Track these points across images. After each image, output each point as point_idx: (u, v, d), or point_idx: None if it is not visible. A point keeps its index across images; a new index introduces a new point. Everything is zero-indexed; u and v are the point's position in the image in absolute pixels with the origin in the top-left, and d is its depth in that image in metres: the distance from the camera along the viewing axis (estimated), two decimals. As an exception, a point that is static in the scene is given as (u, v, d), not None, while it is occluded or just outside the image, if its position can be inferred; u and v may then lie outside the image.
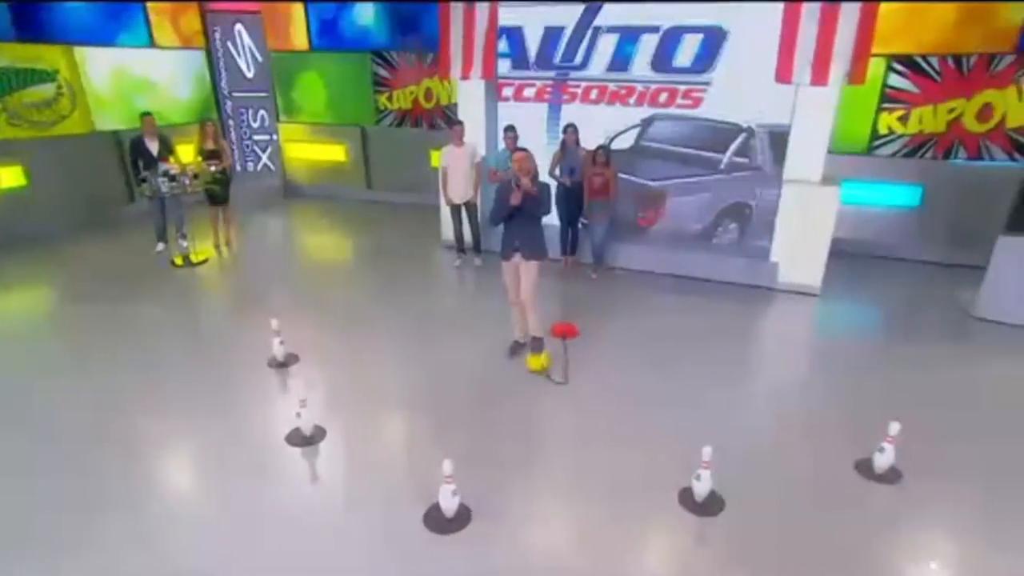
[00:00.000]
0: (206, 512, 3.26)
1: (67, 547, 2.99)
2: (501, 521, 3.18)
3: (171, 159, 7.07)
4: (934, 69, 6.90)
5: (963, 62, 6.78)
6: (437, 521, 3.14)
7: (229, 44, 10.12)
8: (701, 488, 3.23)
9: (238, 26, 10.06)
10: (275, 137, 10.83)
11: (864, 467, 3.54)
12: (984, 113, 6.85)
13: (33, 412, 4.16)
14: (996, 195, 6.44)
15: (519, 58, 7.38)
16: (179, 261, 7.14)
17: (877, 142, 7.36)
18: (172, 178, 6.87)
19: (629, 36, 6.80)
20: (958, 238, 7.11)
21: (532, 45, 7.27)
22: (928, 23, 6.80)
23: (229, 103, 10.44)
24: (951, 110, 6.96)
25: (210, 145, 7.37)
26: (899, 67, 7.02)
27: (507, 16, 7.05)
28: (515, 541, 3.08)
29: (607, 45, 6.92)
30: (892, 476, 3.47)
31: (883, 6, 5.58)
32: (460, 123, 6.88)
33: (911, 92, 7.05)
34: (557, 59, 7.20)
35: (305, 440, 3.79)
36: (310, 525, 3.16)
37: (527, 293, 4.61)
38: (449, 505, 3.11)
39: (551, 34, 7.14)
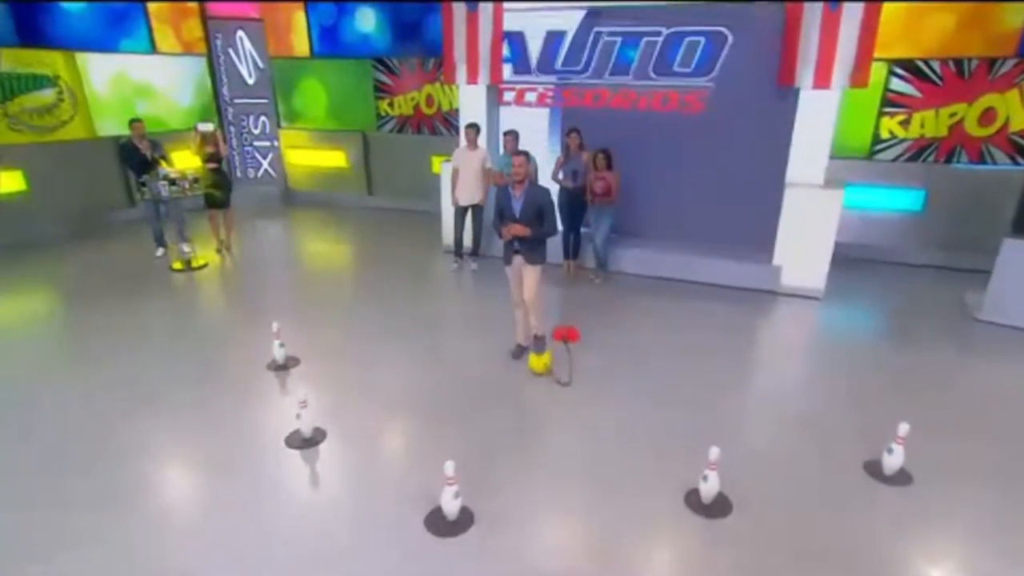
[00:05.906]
0: (206, 515, 3.20)
1: (67, 545, 2.93)
2: (504, 524, 3.11)
3: (163, 163, 7.05)
4: (936, 73, 6.89)
5: (964, 66, 6.78)
6: (438, 524, 3.07)
7: (230, 51, 10.15)
8: (708, 489, 3.17)
9: (240, 33, 10.09)
10: (276, 143, 10.82)
11: (873, 468, 3.49)
12: (986, 117, 6.83)
13: (36, 416, 4.11)
14: (999, 199, 6.44)
15: (520, 63, 7.39)
16: (179, 266, 7.11)
17: (878, 146, 7.34)
18: (172, 182, 6.85)
19: (630, 41, 6.82)
20: (961, 242, 7.08)
21: (534, 50, 7.29)
22: (929, 28, 6.81)
23: (230, 109, 10.45)
24: (952, 114, 6.95)
25: (209, 148, 7.36)
26: (900, 71, 7.01)
27: (509, 21, 7.07)
28: (518, 544, 3.02)
29: (608, 50, 6.94)
30: (902, 478, 3.41)
31: (885, 11, 5.59)
32: (476, 126, 6.85)
33: (913, 96, 7.04)
34: (559, 64, 7.21)
35: (305, 442, 3.74)
36: (310, 528, 3.10)
37: (530, 296, 4.58)
38: (451, 508, 3.05)
39: (553, 39, 7.16)
